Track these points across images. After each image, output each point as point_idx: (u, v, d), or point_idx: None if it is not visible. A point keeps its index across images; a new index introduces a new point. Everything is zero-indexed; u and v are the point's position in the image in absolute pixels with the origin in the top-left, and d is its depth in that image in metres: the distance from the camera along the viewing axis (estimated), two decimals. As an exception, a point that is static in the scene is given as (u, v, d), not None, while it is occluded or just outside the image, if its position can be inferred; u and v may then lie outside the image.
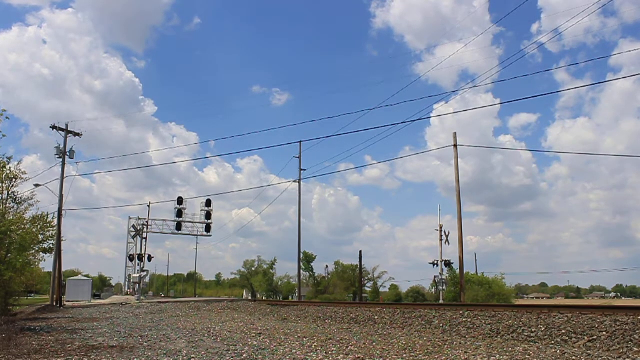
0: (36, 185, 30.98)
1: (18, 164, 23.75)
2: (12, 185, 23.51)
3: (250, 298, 69.53)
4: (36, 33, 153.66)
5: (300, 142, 41.13)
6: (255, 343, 9.80)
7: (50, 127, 33.09)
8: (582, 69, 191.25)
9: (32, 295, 68.93)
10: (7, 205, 23.58)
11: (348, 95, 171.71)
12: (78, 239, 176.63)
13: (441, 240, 34.80)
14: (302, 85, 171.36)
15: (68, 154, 33.31)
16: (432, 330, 12.55)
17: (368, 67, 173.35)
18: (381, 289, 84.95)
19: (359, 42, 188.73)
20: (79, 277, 50.63)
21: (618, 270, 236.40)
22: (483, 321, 12.15)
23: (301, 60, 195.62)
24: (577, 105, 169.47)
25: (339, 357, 7.99)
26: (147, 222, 41.94)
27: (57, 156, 33.16)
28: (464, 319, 12.75)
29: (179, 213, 42.32)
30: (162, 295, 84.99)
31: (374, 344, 9.77)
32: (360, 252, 54.90)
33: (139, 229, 43.16)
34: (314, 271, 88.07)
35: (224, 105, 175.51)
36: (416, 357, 8.06)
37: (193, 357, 7.95)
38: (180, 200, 41.88)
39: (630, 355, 7.98)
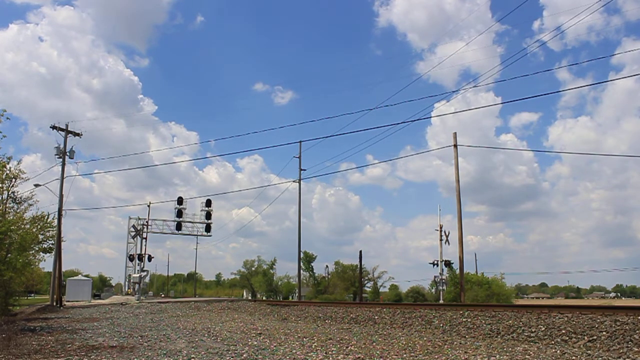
0: (36, 185, 31.01)
1: (18, 163, 23.76)
2: (12, 185, 23.51)
3: (250, 298, 69.51)
4: (34, 31, 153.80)
5: (300, 142, 41.30)
6: (255, 343, 9.79)
7: (50, 127, 33.16)
8: (584, 68, 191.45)
9: (32, 295, 68.97)
10: (7, 205, 23.58)
11: (349, 94, 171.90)
12: (78, 239, 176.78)
13: (441, 240, 34.81)
14: (304, 85, 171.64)
15: (68, 154, 33.32)
16: (432, 330, 12.55)
17: (371, 66, 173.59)
18: (381, 289, 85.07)
19: (363, 41, 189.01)
20: (79, 277, 50.63)
21: (618, 270, 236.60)
22: (483, 321, 12.14)
23: (304, 59, 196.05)
24: (578, 104, 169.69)
25: (339, 357, 7.99)
26: (147, 222, 41.84)
27: (57, 156, 33.17)
28: (464, 319, 12.74)
29: (179, 213, 42.28)
30: (162, 295, 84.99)
31: (374, 344, 9.76)
32: (360, 252, 54.90)
33: (139, 229, 43.02)
34: (314, 271, 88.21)
35: (225, 105, 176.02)
36: (416, 357, 8.06)
37: (193, 357, 7.95)
38: (180, 200, 41.85)
39: (630, 355, 7.97)
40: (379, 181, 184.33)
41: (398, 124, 42.06)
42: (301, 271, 48.83)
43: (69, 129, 33.55)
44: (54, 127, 33.17)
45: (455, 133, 29.57)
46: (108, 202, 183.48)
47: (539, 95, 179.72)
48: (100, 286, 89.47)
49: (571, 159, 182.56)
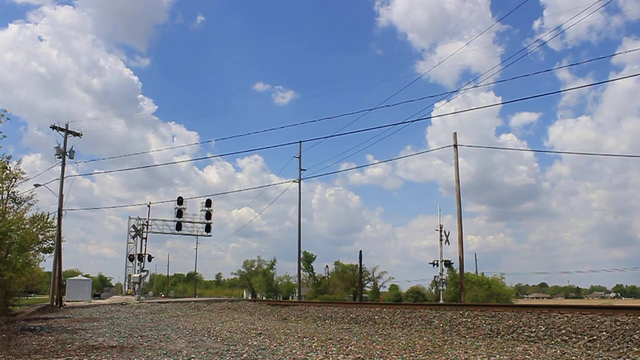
0: (36, 185, 31.01)
1: (18, 163, 23.82)
2: (12, 185, 23.55)
3: (250, 298, 69.51)
4: (34, 30, 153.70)
5: (300, 142, 41.24)
6: (255, 343, 9.79)
7: (50, 127, 33.14)
8: (585, 68, 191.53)
9: (32, 295, 69.03)
10: (7, 205, 23.61)
11: (349, 94, 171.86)
12: (78, 239, 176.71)
13: (441, 240, 34.81)
14: (304, 85, 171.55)
15: (68, 154, 33.30)
16: (432, 330, 12.55)
17: (371, 66, 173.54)
18: (381, 289, 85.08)
19: (363, 41, 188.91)
20: (79, 277, 50.62)
21: (618, 270, 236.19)
22: (483, 321, 12.14)
23: (304, 59, 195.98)
24: (579, 104, 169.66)
25: (339, 357, 7.99)
26: (147, 222, 41.86)
27: (57, 156, 33.15)
28: (464, 319, 12.74)
29: (179, 213, 42.27)
30: (162, 295, 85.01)
31: (374, 344, 9.77)
32: (360, 252, 54.93)
33: (139, 229, 43.01)
34: (314, 271, 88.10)
35: (225, 105, 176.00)
36: (416, 357, 8.06)
37: (193, 357, 7.95)
38: (180, 200, 41.85)
39: (630, 355, 7.98)
40: (379, 181, 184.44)
41: (398, 124, 42.18)
42: (301, 271, 48.85)
43: (69, 129, 33.54)
44: (54, 127, 33.17)
45: (455, 133, 29.57)
46: (108, 202, 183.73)
47: (539, 95, 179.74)
48: (100, 286, 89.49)
49: (571, 159, 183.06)
